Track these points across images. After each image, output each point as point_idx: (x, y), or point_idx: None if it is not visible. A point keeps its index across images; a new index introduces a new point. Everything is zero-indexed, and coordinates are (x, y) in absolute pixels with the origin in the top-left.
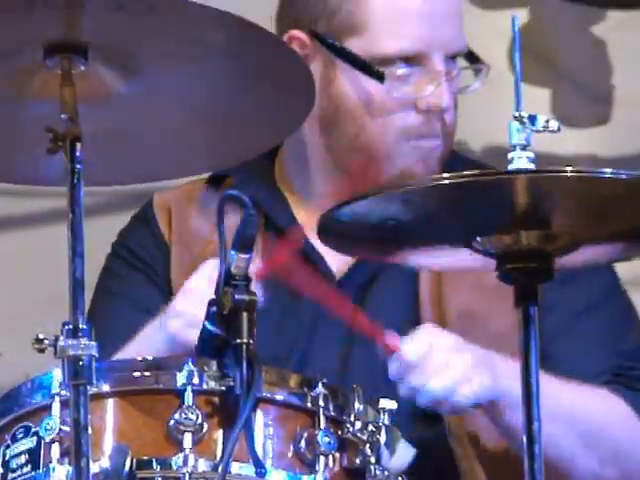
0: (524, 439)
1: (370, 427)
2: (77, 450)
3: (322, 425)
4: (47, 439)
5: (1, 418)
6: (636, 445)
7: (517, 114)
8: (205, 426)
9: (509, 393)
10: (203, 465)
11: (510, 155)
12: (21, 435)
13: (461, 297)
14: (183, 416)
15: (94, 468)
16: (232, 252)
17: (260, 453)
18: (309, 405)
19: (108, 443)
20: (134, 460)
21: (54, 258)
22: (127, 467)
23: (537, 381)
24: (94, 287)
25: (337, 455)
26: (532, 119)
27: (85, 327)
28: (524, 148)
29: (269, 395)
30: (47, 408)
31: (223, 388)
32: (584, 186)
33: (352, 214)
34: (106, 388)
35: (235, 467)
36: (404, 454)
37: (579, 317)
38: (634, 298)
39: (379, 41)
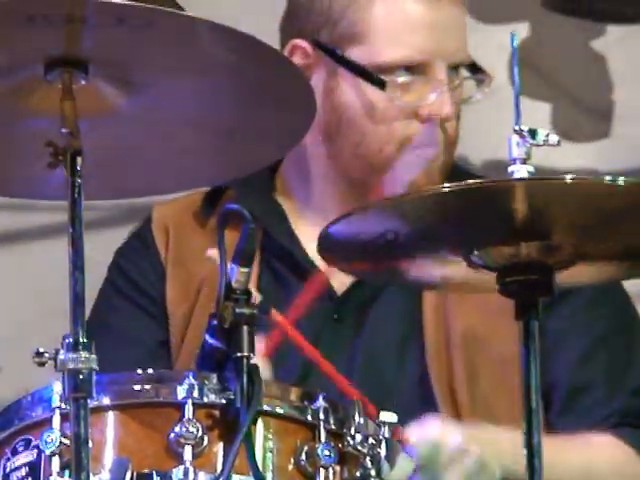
0: (525, 452)
1: (370, 440)
2: (77, 463)
3: (322, 438)
4: (47, 452)
5: (2, 431)
6: None
7: (517, 128)
8: (205, 439)
9: (517, 474)
10: (203, 478)
11: (510, 169)
12: (21, 448)
13: (465, 318)
14: (183, 429)
15: None
16: (232, 266)
17: (260, 466)
18: (309, 418)
19: (108, 456)
20: (134, 473)
21: (54, 272)
22: None
23: (537, 395)
24: (94, 300)
25: (337, 468)
26: (532, 133)
27: (85, 341)
28: (524, 162)
29: (269, 408)
30: (47, 421)
31: (223, 401)
32: (583, 194)
33: (350, 228)
34: (106, 401)
35: None
36: (404, 467)
37: (593, 350)
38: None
39: (381, 50)
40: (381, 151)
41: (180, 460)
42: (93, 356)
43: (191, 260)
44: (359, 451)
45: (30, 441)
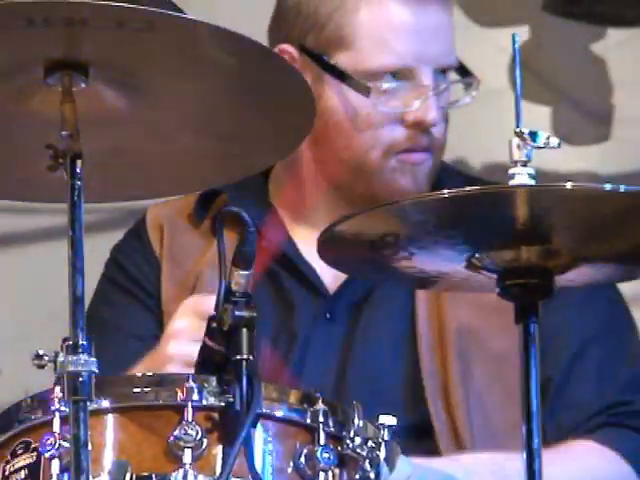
0: (524, 456)
1: (370, 443)
2: (77, 466)
3: (322, 441)
4: (47, 455)
5: (1, 434)
6: None
7: (518, 130)
8: (205, 442)
9: None
10: None
11: (511, 171)
12: (21, 451)
13: (460, 314)
14: (183, 432)
15: None
16: (232, 268)
17: (260, 469)
18: (309, 421)
19: (108, 459)
20: (134, 476)
21: (54, 275)
22: None
23: (537, 399)
24: None
25: (337, 471)
26: (533, 135)
27: (85, 343)
28: (525, 164)
29: (269, 411)
30: (47, 424)
31: (223, 404)
32: (584, 200)
33: (350, 230)
34: (106, 404)
35: None
36: (403, 470)
37: (583, 349)
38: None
39: (367, 56)
40: (367, 156)
41: (179, 463)
42: (93, 359)
43: (185, 259)
44: (358, 454)
45: (30, 444)
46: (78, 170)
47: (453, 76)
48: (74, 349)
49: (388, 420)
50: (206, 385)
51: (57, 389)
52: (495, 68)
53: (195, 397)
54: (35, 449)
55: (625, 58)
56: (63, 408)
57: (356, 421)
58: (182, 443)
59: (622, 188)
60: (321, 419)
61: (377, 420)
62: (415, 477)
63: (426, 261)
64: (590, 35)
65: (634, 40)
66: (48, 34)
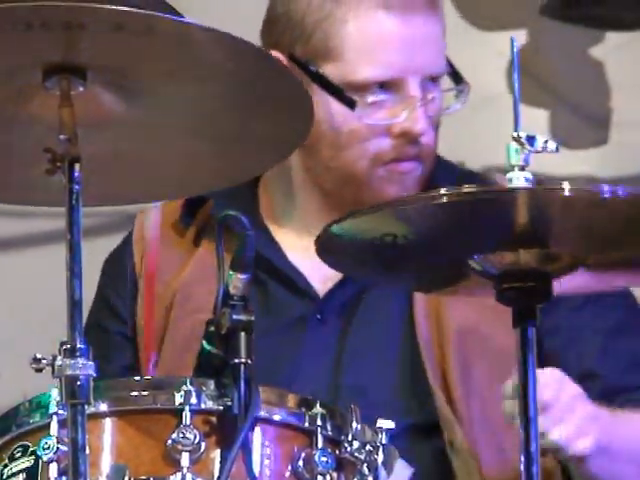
0: (522, 459)
1: (368, 447)
2: (75, 470)
3: (320, 445)
4: (45, 459)
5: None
6: None
7: (516, 134)
8: (203, 446)
9: (611, 451)
10: None
11: (508, 175)
12: (19, 454)
13: (459, 313)
14: (181, 436)
15: None
16: (230, 272)
17: (258, 473)
18: (307, 425)
19: (106, 462)
20: (132, 479)
21: (53, 278)
22: None
23: (534, 402)
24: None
25: (335, 475)
26: (531, 140)
27: (83, 347)
28: (522, 168)
29: (267, 415)
30: (45, 428)
31: (221, 408)
32: (583, 204)
33: (350, 230)
34: (104, 408)
35: None
36: (402, 473)
37: (611, 336)
38: None
39: (354, 67)
40: (354, 166)
41: (177, 466)
42: (90, 362)
43: (164, 274)
44: (356, 458)
45: (28, 447)
46: (76, 174)
47: (446, 82)
48: (72, 352)
49: (386, 424)
50: (204, 389)
51: (55, 392)
52: (493, 72)
53: (193, 401)
54: (33, 452)
55: (623, 62)
56: (61, 411)
57: (354, 425)
58: (180, 447)
59: (620, 192)
60: (319, 423)
61: (374, 424)
62: None
63: (423, 262)
64: (588, 39)
65: (633, 43)
66: (46, 38)
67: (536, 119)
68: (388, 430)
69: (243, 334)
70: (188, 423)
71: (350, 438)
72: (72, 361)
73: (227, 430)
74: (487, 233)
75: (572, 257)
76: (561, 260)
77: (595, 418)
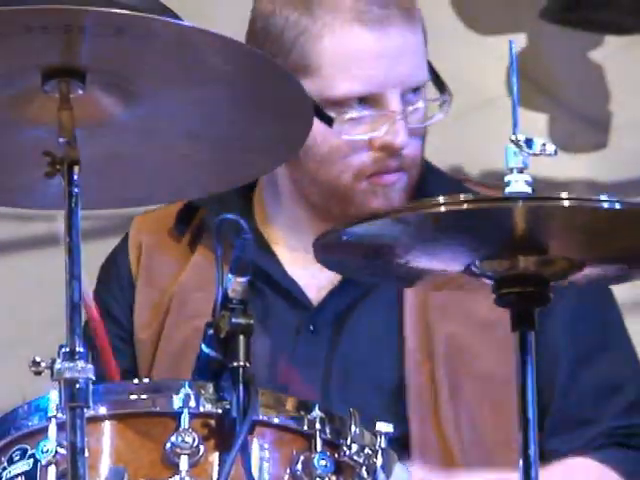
0: (521, 462)
1: (367, 450)
2: (73, 473)
3: (318, 448)
4: (43, 462)
5: None
6: None
7: (514, 137)
8: (201, 449)
9: None
10: None
11: (507, 178)
12: (18, 457)
13: (448, 329)
14: (179, 439)
15: None
16: (229, 276)
17: (256, 476)
18: (305, 428)
19: (105, 465)
20: None
21: (53, 281)
22: None
23: (533, 406)
24: None
25: (334, 478)
26: (529, 142)
27: (82, 350)
28: (521, 171)
29: (265, 418)
30: (44, 431)
31: (220, 411)
32: (580, 212)
33: (351, 236)
34: (103, 411)
35: None
36: (400, 477)
37: (578, 370)
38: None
39: (331, 83)
40: (338, 180)
41: (176, 470)
42: (90, 366)
43: (160, 278)
44: (355, 461)
45: (26, 450)
46: (75, 177)
47: (430, 89)
48: (71, 356)
49: (385, 428)
50: (203, 392)
51: (54, 395)
52: (492, 75)
53: (192, 404)
54: (32, 456)
55: (623, 65)
56: (60, 415)
57: (353, 428)
58: (179, 450)
59: (617, 203)
60: (318, 426)
61: (374, 427)
62: None
63: (424, 268)
64: (588, 42)
65: (632, 47)
66: (46, 40)
67: (535, 122)
68: (387, 434)
69: (242, 337)
70: (187, 426)
71: (349, 442)
72: (71, 364)
73: (226, 433)
74: (486, 240)
75: (569, 262)
76: (558, 265)
77: None
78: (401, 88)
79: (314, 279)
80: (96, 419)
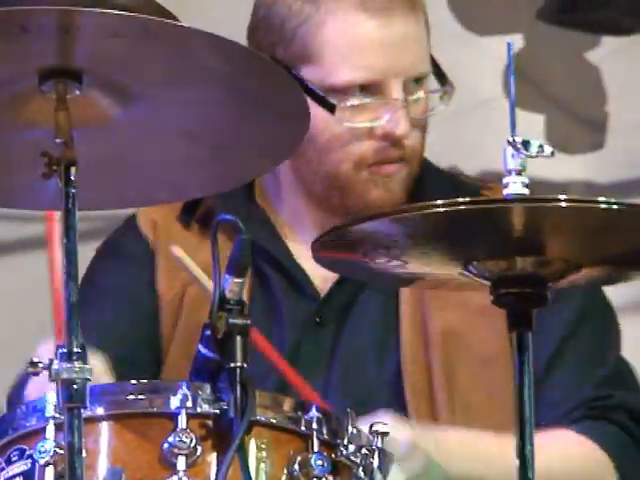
0: (517, 462)
1: (363, 450)
2: (71, 473)
3: (315, 448)
4: (41, 462)
5: None
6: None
7: (511, 139)
8: (199, 449)
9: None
10: None
11: (505, 180)
12: (16, 458)
13: (444, 317)
14: (177, 439)
15: None
16: (226, 276)
17: (254, 476)
18: (303, 428)
19: (102, 466)
20: None
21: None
22: None
23: (530, 405)
24: None
25: (331, 478)
26: (526, 144)
27: (79, 350)
28: (519, 173)
29: (263, 418)
30: (41, 431)
31: (217, 411)
32: (577, 214)
33: (345, 237)
34: (100, 411)
35: None
36: (397, 477)
37: (562, 344)
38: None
39: (333, 71)
40: (338, 169)
41: (174, 470)
42: (87, 366)
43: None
44: (352, 461)
45: (24, 451)
46: (72, 177)
47: (433, 82)
48: (68, 356)
49: (381, 427)
50: (200, 392)
51: (52, 396)
52: (490, 76)
53: (189, 404)
54: (30, 456)
55: (620, 66)
56: (58, 415)
57: (349, 428)
58: (176, 450)
59: (615, 204)
60: (315, 426)
61: (370, 426)
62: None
63: (421, 267)
64: (584, 43)
65: (629, 48)
66: (42, 41)
67: (532, 123)
68: (384, 434)
69: (239, 338)
70: (184, 427)
71: (346, 442)
72: (68, 365)
73: (223, 434)
74: (483, 241)
75: (566, 262)
76: (555, 265)
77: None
78: (403, 77)
79: (318, 269)
80: (93, 419)
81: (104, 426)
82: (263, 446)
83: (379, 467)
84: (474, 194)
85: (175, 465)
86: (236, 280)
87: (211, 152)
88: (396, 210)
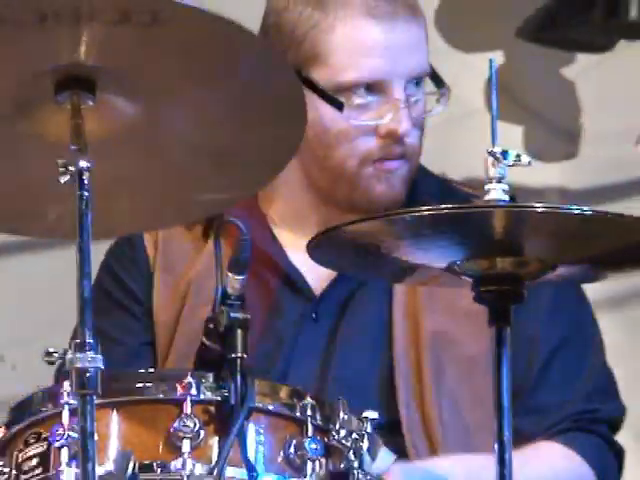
0: (496, 447)
1: (354, 435)
2: (84, 455)
3: (310, 433)
4: (56, 445)
5: (15, 425)
6: None
7: (491, 149)
8: (202, 433)
9: None
10: (200, 469)
11: (487, 187)
12: (33, 440)
13: (435, 320)
14: (182, 424)
15: (99, 471)
16: (228, 274)
17: (252, 459)
18: (298, 414)
19: (113, 448)
20: (137, 464)
21: (62, 280)
22: (130, 470)
23: (508, 395)
24: None
25: (323, 460)
26: (504, 154)
27: (91, 341)
28: (499, 181)
29: (261, 405)
30: (57, 416)
31: (219, 398)
32: (552, 219)
33: (343, 236)
34: (111, 398)
35: (229, 471)
36: (385, 459)
37: (552, 356)
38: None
39: (341, 71)
40: (344, 165)
41: (179, 452)
42: (99, 356)
43: (177, 265)
44: (343, 445)
45: (40, 434)
46: (86, 182)
47: (428, 85)
48: (82, 347)
49: (371, 414)
50: (204, 381)
51: (66, 384)
52: (472, 90)
53: (193, 392)
54: (45, 439)
55: (593, 81)
56: (71, 401)
57: (341, 415)
58: (181, 434)
59: (587, 210)
60: (309, 413)
61: (360, 414)
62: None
63: (411, 266)
64: (561, 60)
65: (601, 65)
66: (58, 34)
67: (511, 134)
68: (373, 420)
69: (240, 331)
70: (189, 412)
71: (337, 427)
72: (81, 355)
73: (224, 419)
74: (467, 242)
75: (542, 262)
76: (532, 266)
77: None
78: (405, 78)
79: (315, 269)
80: (105, 406)
81: (114, 412)
82: (261, 431)
83: (368, 450)
84: (462, 200)
85: (180, 448)
86: (237, 277)
87: (216, 163)
88: (387, 213)
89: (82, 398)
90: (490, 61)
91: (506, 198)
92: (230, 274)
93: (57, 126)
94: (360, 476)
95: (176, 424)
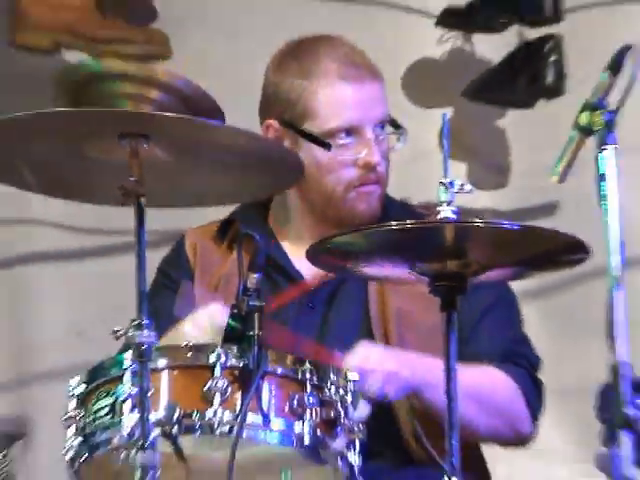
0: (445, 399)
1: (341, 391)
2: (142, 406)
3: (308, 390)
4: (121, 398)
5: (90, 383)
6: (514, 403)
7: (442, 180)
8: (229, 390)
9: (426, 382)
10: (227, 416)
11: (439, 209)
12: (103, 395)
13: (399, 301)
14: (214, 383)
15: (153, 417)
16: (248, 272)
17: (266, 408)
18: (299, 377)
19: (163, 401)
20: (182, 412)
21: (125, 276)
22: (176, 417)
23: (454, 359)
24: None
25: (318, 410)
26: (452, 184)
27: (147, 322)
28: (449, 204)
29: (272, 369)
30: (121, 377)
31: (241, 364)
32: (489, 232)
33: (332, 244)
34: (161, 364)
35: (249, 417)
36: (363, 409)
37: (484, 314)
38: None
39: (327, 121)
40: (334, 191)
41: (212, 404)
42: (153, 333)
43: (211, 268)
44: (333, 399)
45: (109, 390)
46: (142, 205)
47: (389, 129)
48: (139, 326)
49: (353, 376)
50: (230, 351)
51: (128, 353)
52: (429, 136)
53: (222, 360)
54: (113, 394)
55: (520, 129)
56: (132, 366)
57: (332, 376)
58: (213, 391)
59: (516, 225)
60: (308, 375)
61: (346, 376)
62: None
63: (381, 268)
64: (495, 114)
65: (525, 117)
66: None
67: (457, 169)
68: (354, 380)
69: (257, 315)
70: (219, 375)
71: (329, 385)
72: (139, 332)
73: (245, 380)
74: (425, 249)
75: (481, 265)
76: (474, 267)
77: (402, 366)
78: (373, 123)
79: (310, 268)
80: (157, 370)
81: (164, 374)
82: (272, 388)
83: (352, 403)
84: (420, 218)
85: (212, 401)
86: (254, 275)
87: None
88: (363, 228)
89: (140, 364)
90: (443, 115)
91: (454, 217)
92: (249, 273)
93: (122, 161)
94: (345, 421)
95: (210, 383)
